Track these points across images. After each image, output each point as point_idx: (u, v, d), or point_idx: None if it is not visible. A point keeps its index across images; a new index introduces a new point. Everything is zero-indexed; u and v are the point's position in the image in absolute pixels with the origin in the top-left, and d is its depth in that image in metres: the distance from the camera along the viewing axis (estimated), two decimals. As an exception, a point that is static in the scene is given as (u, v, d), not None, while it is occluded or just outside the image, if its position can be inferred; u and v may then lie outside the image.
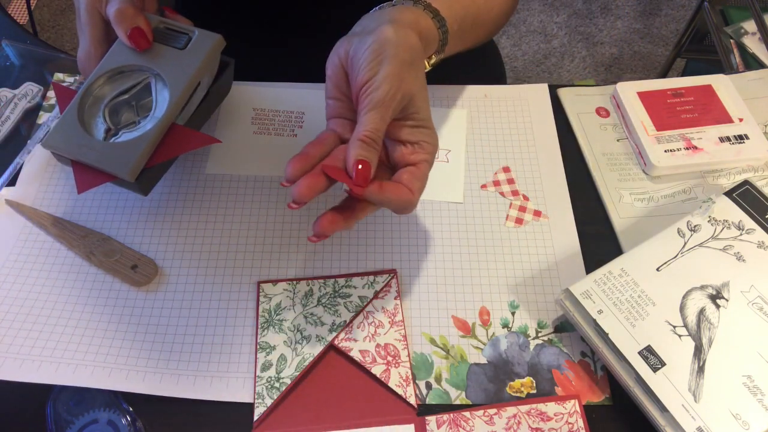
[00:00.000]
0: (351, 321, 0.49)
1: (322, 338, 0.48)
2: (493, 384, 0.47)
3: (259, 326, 0.49)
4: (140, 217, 0.55)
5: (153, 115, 0.48)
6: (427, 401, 0.46)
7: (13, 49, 0.66)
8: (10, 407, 0.46)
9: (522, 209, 0.56)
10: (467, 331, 0.49)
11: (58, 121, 0.47)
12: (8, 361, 0.47)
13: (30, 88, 0.63)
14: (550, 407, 0.45)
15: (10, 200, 0.55)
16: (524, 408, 0.45)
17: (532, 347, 0.49)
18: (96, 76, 0.48)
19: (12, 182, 0.57)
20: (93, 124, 0.48)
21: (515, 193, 0.57)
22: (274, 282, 0.51)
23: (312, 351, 0.47)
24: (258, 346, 0.48)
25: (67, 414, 0.45)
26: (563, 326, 0.50)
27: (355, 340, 0.48)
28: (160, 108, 0.48)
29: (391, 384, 0.46)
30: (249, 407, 0.46)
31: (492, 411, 0.45)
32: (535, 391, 0.47)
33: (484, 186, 0.57)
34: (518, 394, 0.46)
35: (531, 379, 0.47)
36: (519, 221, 0.55)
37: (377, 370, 0.47)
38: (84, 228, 0.54)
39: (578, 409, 0.45)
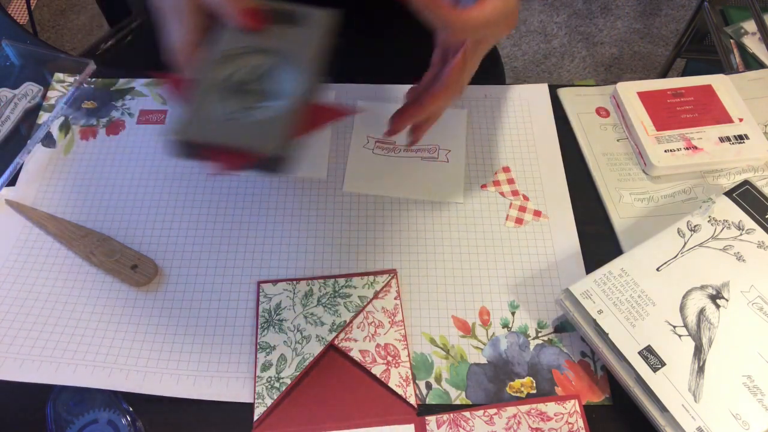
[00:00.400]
0: (351, 321, 0.49)
1: (322, 338, 0.48)
2: (493, 384, 0.47)
3: (259, 326, 0.49)
4: (140, 217, 0.55)
5: (281, 95, 0.46)
6: (427, 401, 0.46)
7: (13, 49, 0.66)
8: (10, 407, 0.46)
9: (522, 209, 0.56)
10: (467, 331, 0.49)
11: (185, 109, 0.45)
12: (8, 361, 0.47)
13: (30, 88, 0.63)
14: (550, 407, 0.45)
15: (10, 200, 0.55)
16: (524, 408, 0.45)
17: (532, 347, 0.49)
18: (210, 60, 0.46)
19: (12, 182, 0.57)
20: (215, 109, 0.47)
21: (515, 193, 0.57)
22: (274, 282, 0.51)
23: (312, 351, 0.47)
24: (258, 346, 0.48)
25: (67, 414, 0.45)
26: (563, 326, 0.50)
27: (355, 340, 0.48)
28: (287, 87, 0.46)
29: (391, 384, 0.46)
30: (249, 407, 0.46)
31: (492, 411, 0.45)
32: (535, 391, 0.47)
33: (484, 186, 0.57)
34: (518, 394, 0.46)
35: (531, 379, 0.47)
36: (519, 221, 0.55)
37: (377, 370, 0.47)
38: (84, 228, 0.54)
39: (578, 409, 0.45)
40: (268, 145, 0.44)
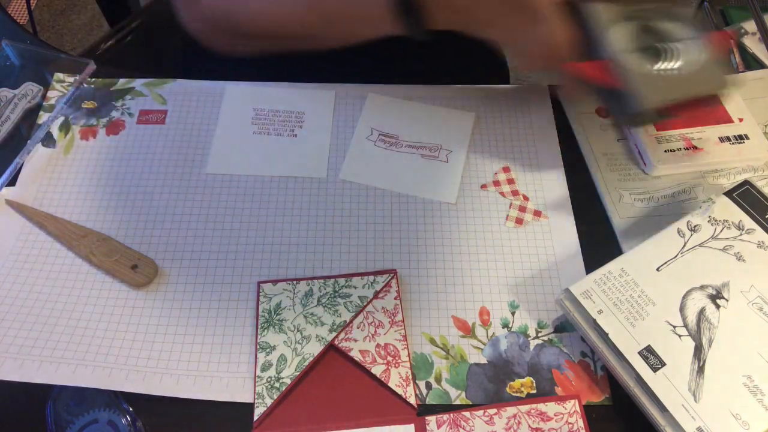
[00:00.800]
0: (351, 321, 0.49)
1: (322, 338, 0.48)
2: (493, 384, 0.47)
3: (259, 326, 0.49)
4: (140, 217, 0.55)
5: (685, 43, 0.48)
6: (427, 401, 0.46)
7: (13, 49, 0.66)
8: (10, 407, 0.46)
9: (522, 209, 0.56)
10: (467, 331, 0.49)
11: (628, 84, 0.47)
12: (8, 361, 0.47)
13: (30, 88, 0.63)
14: (550, 407, 0.45)
15: (10, 200, 0.55)
16: (524, 408, 0.45)
17: (532, 347, 0.49)
18: (603, 38, 0.48)
19: (12, 182, 0.57)
20: (655, 73, 0.48)
21: (515, 193, 0.57)
22: (274, 282, 0.51)
23: (312, 351, 0.47)
24: (258, 346, 0.48)
25: (67, 414, 0.45)
26: (563, 326, 0.50)
27: (355, 340, 0.48)
28: (683, 34, 0.48)
29: (391, 384, 0.46)
30: (249, 407, 0.46)
31: (492, 411, 0.45)
32: (535, 391, 0.47)
33: (484, 186, 0.57)
34: (518, 394, 0.46)
35: (531, 379, 0.47)
36: (519, 221, 0.55)
37: (377, 370, 0.47)
38: (84, 228, 0.54)
39: (578, 409, 0.45)
40: (721, 84, 0.46)
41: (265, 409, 0.45)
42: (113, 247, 0.53)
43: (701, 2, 1.29)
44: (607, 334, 0.45)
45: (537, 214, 0.56)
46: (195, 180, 0.57)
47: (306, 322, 0.49)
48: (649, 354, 0.44)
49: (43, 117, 0.61)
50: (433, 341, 0.49)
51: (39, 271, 0.52)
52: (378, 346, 0.48)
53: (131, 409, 0.45)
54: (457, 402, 0.46)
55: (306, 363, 0.47)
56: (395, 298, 0.50)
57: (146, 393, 0.46)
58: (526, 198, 0.57)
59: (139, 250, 0.53)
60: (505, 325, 0.50)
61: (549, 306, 0.51)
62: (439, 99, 0.63)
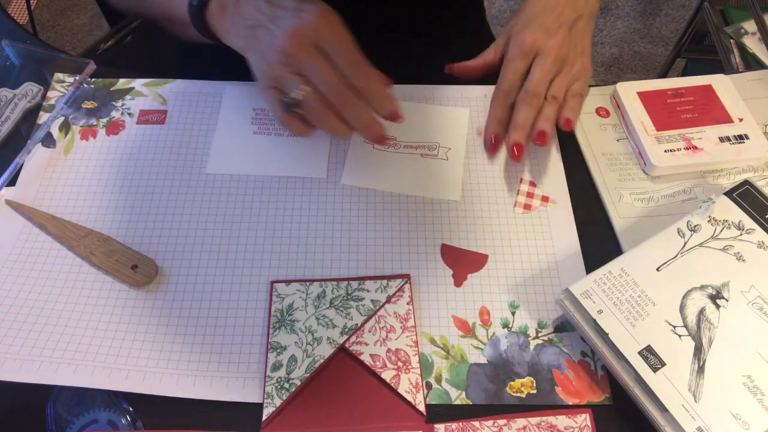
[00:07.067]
0: (363, 324, 0.49)
1: (333, 341, 0.48)
2: (493, 384, 0.47)
3: (271, 326, 0.49)
4: (140, 217, 0.55)
5: None
6: (427, 401, 0.46)
7: (13, 49, 0.66)
8: (10, 407, 0.46)
9: (527, 207, 0.56)
10: (467, 331, 0.49)
11: None
12: (8, 361, 0.47)
13: (30, 88, 0.63)
14: (560, 420, 0.45)
15: (10, 200, 0.55)
16: (534, 420, 0.45)
17: (532, 347, 0.49)
18: None
19: (12, 182, 0.57)
20: None
21: (515, 192, 0.57)
22: (288, 282, 0.51)
23: (323, 353, 0.47)
24: (269, 346, 0.48)
25: (67, 414, 0.45)
26: (563, 326, 0.50)
27: (366, 344, 0.48)
28: None
29: (401, 390, 0.46)
30: (249, 407, 0.46)
31: (502, 422, 0.45)
32: (535, 391, 0.47)
33: (483, 186, 0.57)
34: (518, 394, 0.46)
35: (531, 379, 0.47)
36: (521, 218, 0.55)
37: (387, 376, 0.46)
38: (84, 228, 0.54)
39: (589, 423, 0.45)
40: None
41: (274, 409, 0.45)
42: (113, 247, 0.53)
43: (701, 2, 1.29)
44: (607, 334, 0.45)
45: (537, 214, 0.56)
46: (195, 180, 0.57)
47: (318, 323, 0.49)
48: (649, 354, 0.44)
49: (43, 117, 0.61)
50: (433, 341, 0.49)
51: (39, 271, 0.52)
52: (389, 351, 0.48)
53: (131, 409, 0.45)
54: (457, 402, 0.46)
55: (316, 365, 0.47)
56: (408, 303, 0.50)
57: (146, 393, 0.46)
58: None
59: (139, 250, 0.53)
60: (505, 325, 0.50)
61: (549, 306, 0.51)
62: (438, 100, 0.63)
